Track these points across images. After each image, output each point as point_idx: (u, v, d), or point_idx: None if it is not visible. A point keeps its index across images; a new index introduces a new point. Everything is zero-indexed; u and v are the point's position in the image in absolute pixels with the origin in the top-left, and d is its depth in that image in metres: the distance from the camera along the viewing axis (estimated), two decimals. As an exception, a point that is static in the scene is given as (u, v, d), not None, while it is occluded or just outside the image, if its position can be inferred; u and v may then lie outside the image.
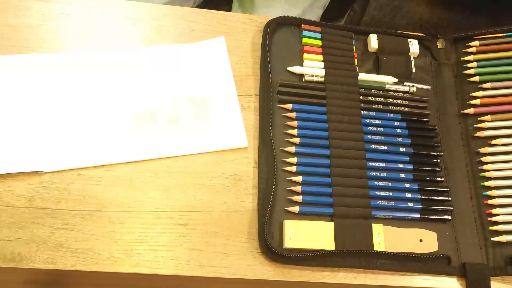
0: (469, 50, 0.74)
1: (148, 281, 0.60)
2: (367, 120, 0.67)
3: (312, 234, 0.59)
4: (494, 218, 0.64)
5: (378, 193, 0.63)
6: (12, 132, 0.60)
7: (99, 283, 0.63)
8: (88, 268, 0.55)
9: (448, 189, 0.66)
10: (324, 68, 0.70)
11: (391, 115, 0.69)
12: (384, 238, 0.61)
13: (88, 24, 0.68)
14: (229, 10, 0.96)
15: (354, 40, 0.73)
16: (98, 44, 0.67)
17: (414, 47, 0.73)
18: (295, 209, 0.61)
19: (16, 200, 0.57)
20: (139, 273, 0.56)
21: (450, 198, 0.65)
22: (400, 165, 0.66)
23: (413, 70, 0.72)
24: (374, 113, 0.68)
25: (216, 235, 0.59)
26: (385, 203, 0.63)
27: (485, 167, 0.67)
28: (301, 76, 0.69)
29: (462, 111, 0.71)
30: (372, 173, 0.64)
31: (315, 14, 0.94)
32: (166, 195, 0.60)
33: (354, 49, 0.72)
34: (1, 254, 0.55)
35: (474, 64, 0.73)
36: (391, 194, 0.64)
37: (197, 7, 0.90)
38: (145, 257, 0.57)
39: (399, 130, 0.68)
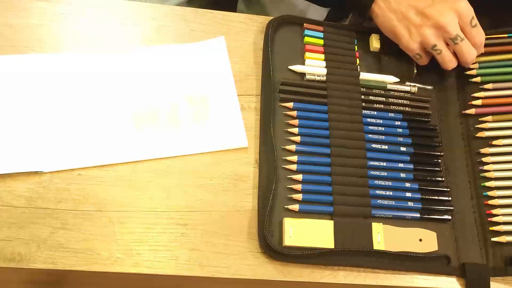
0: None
1: (148, 281, 0.60)
2: (368, 120, 0.67)
3: (311, 232, 0.59)
4: (494, 219, 0.64)
5: (378, 192, 0.63)
6: (12, 132, 0.60)
7: (99, 283, 0.63)
8: (88, 268, 0.55)
9: (449, 189, 0.66)
10: (325, 67, 0.70)
11: (392, 114, 0.69)
12: (384, 237, 0.61)
13: (88, 24, 0.68)
14: (234, 10, 0.96)
15: (356, 40, 0.73)
16: (98, 44, 0.67)
17: (416, 46, 0.73)
18: (295, 207, 0.61)
19: (16, 200, 0.57)
20: (139, 273, 0.56)
21: (450, 198, 0.65)
22: (401, 165, 0.66)
23: (415, 70, 0.72)
24: (375, 113, 0.68)
25: (216, 235, 0.59)
26: (385, 202, 0.63)
27: (485, 167, 0.67)
28: (302, 75, 0.69)
29: (463, 112, 0.71)
30: (373, 172, 0.64)
31: (318, 15, 0.93)
32: (166, 195, 0.60)
33: (356, 49, 0.72)
34: (1, 254, 0.55)
35: (476, 65, 0.72)
36: (391, 193, 0.64)
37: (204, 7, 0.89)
38: (145, 257, 0.57)
39: (400, 130, 0.68)
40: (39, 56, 0.65)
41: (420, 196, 0.64)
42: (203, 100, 0.66)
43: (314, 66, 0.70)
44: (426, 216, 0.63)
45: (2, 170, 0.58)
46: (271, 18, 0.72)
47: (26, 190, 0.58)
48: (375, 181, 0.64)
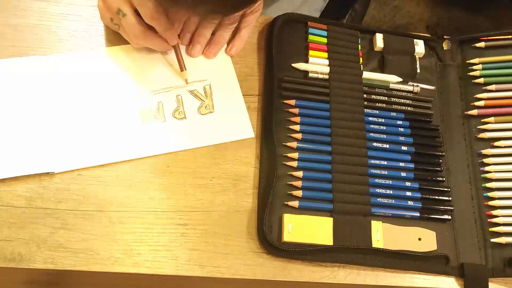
0: (478, 45, 0.74)
1: (148, 281, 0.60)
2: (370, 118, 0.68)
3: (310, 229, 0.60)
4: (494, 220, 0.64)
5: (378, 190, 0.63)
6: (22, 135, 0.60)
7: (99, 283, 0.63)
8: (88, 268, 0.55)
9: (449, 189, 0.66)
10: (329, 65, 0.70)
11: (394, 114, 0.69)
12: (383, 235, 0.61)
13: (88, 24, 0.68)
14: None
15: (359, 39, 0.73)
16: (98, 44, 0.67)
17: (419, 47, 0.73)
18: (295, 203, 0.61)
19: (16, 200, 0.57)
20: (139, 273, 0.56)
21: (450, 198, 0.65)
22: (402, 164, 0.66)
23: (418, 70, 0.72)
24: (377, 112, 0.68)
25: (216, 235, 0.59)
26: (385, 200, 0.63)
27: (486, 168, 0.67)
28: (305, 72, 0.69)
29: (465, 112, 0.71)
30: (373, 171, 0.64)
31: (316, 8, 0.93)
32: (166, 195, 0.60)
33: (360, 48, 0.72)
34: (1, 254, 0.55)
35: (480, 66, 0.72)
36: (391, 192, 0.64)
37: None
38: (145, 257, 0.57)
39: (402, 129, 0.68)
40: (39, 57, 0.64)
41: (420, 196, 0.64)
42: (207, 94, 0.66)
43: (317, 64, 0.70)
44: (426, 215, 0.63)
45: (14, 173, 0.57)
46: (270, 18, 0.72)
47: (26, 190, 0.58)
48: (376, 180, 0.64)
